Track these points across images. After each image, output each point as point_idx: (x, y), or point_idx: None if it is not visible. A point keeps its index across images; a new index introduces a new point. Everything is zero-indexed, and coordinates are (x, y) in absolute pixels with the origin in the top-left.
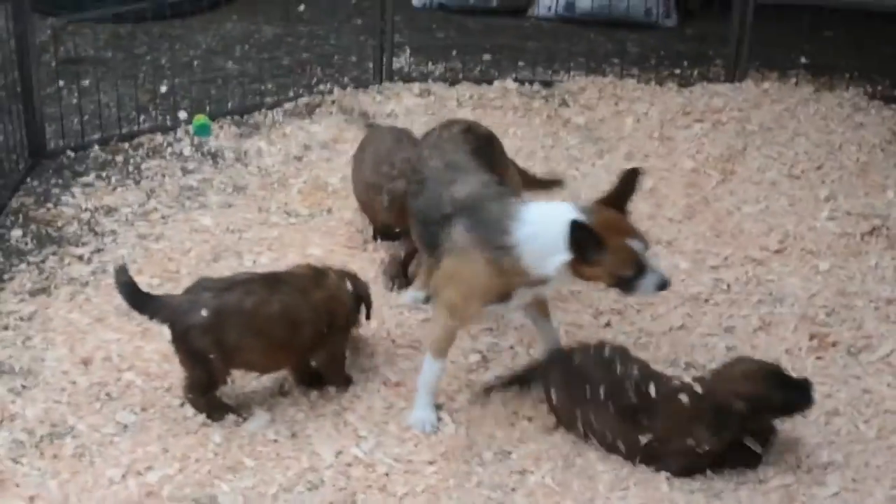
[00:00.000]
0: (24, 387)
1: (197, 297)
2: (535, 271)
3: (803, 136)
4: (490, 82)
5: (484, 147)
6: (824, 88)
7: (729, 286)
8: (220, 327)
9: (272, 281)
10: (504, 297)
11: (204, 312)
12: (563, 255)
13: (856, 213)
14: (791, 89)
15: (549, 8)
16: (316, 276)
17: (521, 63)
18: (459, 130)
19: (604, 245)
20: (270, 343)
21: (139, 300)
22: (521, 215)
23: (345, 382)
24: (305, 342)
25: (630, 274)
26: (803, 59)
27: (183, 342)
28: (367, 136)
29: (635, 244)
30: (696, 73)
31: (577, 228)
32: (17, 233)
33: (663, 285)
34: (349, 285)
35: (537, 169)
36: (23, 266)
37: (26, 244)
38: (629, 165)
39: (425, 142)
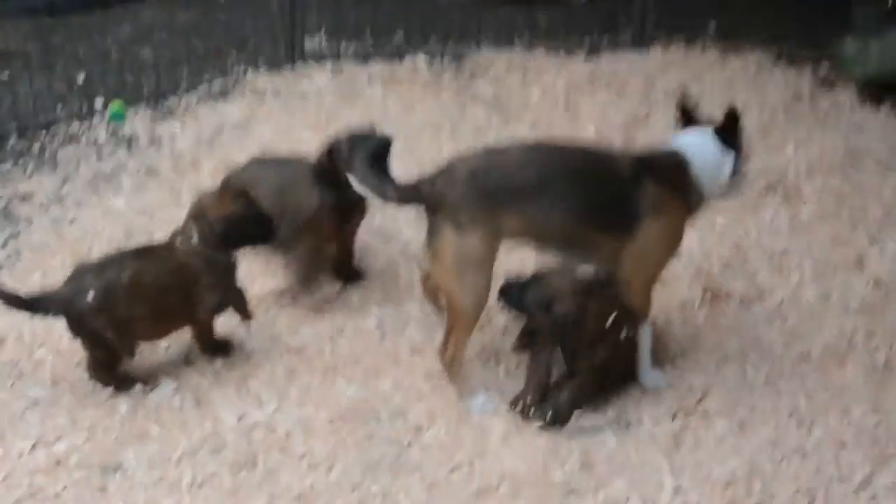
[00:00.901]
0: None
1: (80, 283)
2: (709, 195)
3: (708, 99)
4: (401, 59)
5: None
6: (731, 53)
7: None
8: (109, 305)
9: (141, 253)
10: None
11: (91, 295)
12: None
13: (754, 172)
14: (698, 55)
15: None
16: (168, 246)
17: (433, 39)
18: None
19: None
20: (153, 310)
21: (28, 304)
22: (685, 149)
23: (212, 350)
24: (181, 305)
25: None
26: (712, 26)
27: (80, 326)
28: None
29: None
30: (604, 42)
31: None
32: None
33: None
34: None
35: (444, 142)
36: None
37: None
38: (533, 135)
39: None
